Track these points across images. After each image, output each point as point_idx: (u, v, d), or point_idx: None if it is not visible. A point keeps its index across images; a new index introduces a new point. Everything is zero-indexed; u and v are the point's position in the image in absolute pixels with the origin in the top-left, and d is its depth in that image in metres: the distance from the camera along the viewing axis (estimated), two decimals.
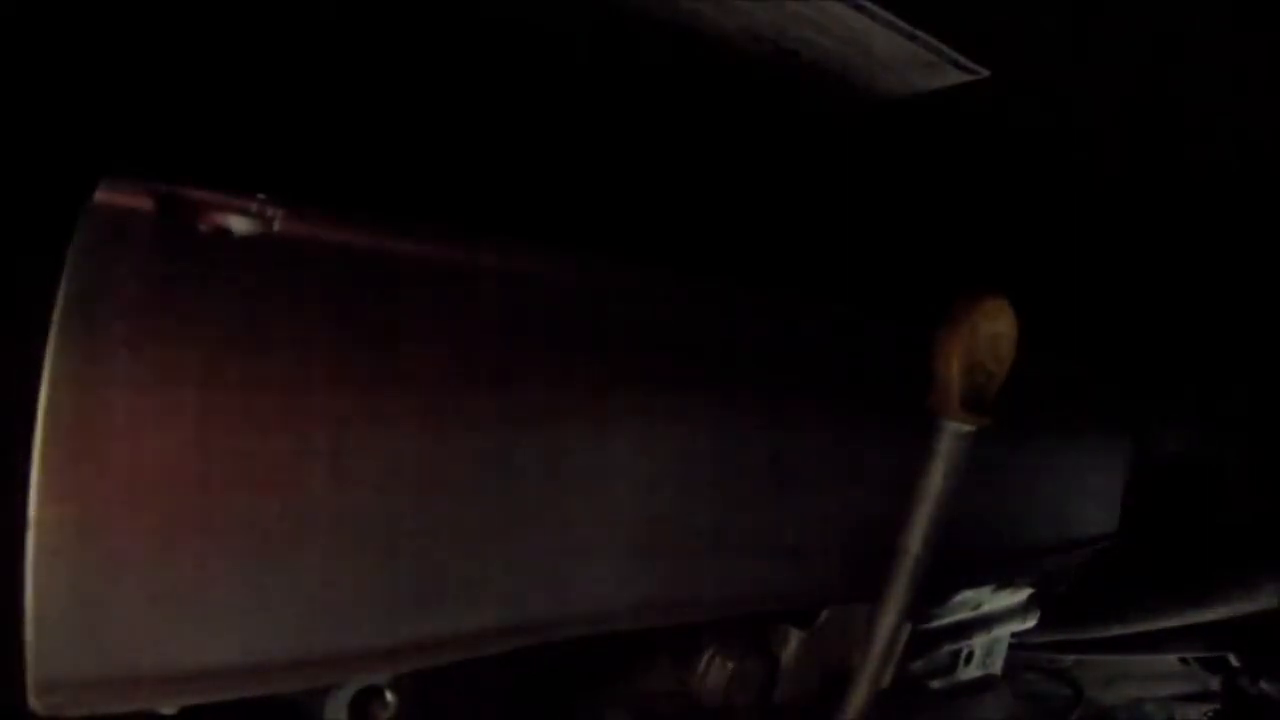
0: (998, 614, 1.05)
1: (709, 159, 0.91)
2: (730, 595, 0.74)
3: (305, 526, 0.53)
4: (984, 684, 1.08)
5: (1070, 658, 1.52)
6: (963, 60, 0.68)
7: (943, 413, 0.71)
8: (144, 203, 0.49)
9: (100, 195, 0.48)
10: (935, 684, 1.03)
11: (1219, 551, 1.32)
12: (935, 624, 0.97)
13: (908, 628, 0.79)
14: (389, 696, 0.64)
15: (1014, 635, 1.10)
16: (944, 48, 0.67)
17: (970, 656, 1.05)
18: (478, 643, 0.61)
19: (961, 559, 0.88)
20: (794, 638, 0.80)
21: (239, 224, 0.52)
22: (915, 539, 0.73)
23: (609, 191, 0.89)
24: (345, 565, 0.54)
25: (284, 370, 0.52)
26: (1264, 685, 1.48)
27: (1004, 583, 1.01)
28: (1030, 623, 1.10)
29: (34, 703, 0.47)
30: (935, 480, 0.72)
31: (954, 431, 0.71)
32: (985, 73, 0.70)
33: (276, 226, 0.53)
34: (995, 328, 0.69)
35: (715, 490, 0.70)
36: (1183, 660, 1.64)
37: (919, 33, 0.65)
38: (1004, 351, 0.70)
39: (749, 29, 0.67)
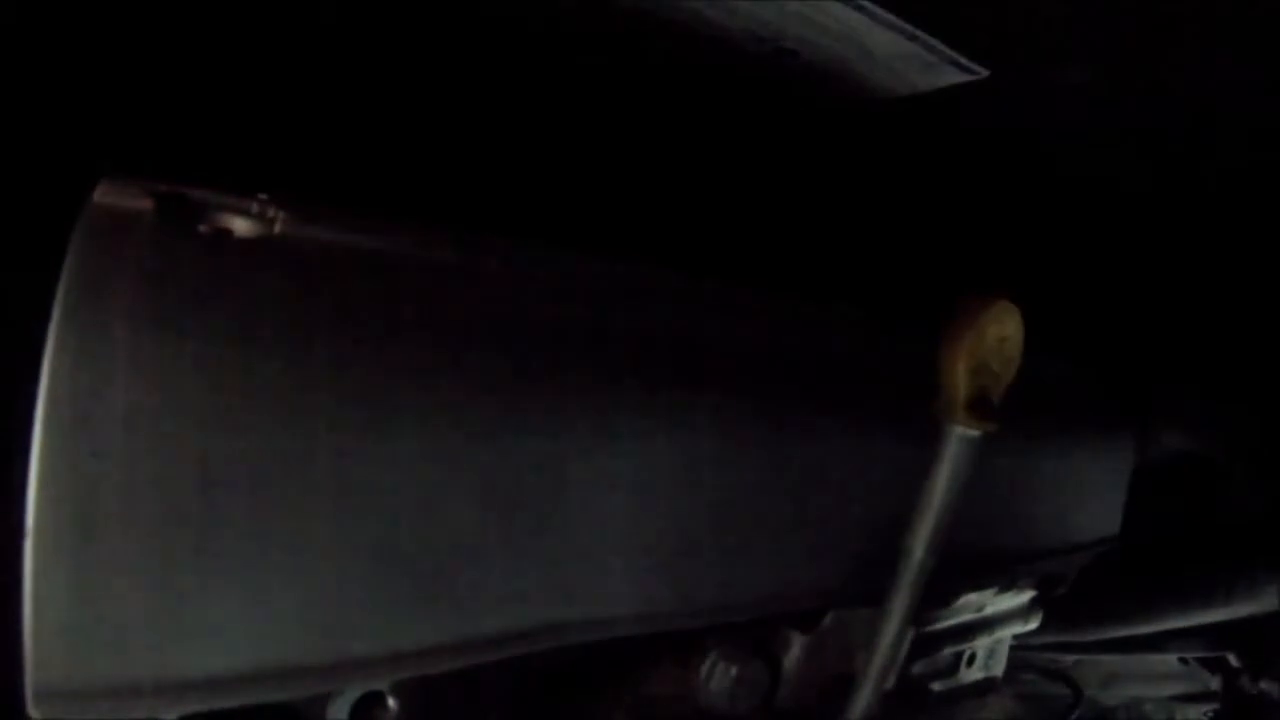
0: (1000, 616, 1.05)
1: (709, 159, 0.91)
2: (733, 599, 0.73)
3: (306, 530, 0.52)
4: (985, 686, 1.08)
5: (1070, 658, 1.52)
6: (963, 60, 0.68)
7: (948, 417, 0.70)
8: (144, 203, 0.49)
9: (100, 195, 0.48)
10: (937, 686, 1.03)
11: (1219, 552, 1.32)
12: (938, 627, 0.96)
13: (911, 631, 0.78)
14: (390, 701, 0.64)
15: (1015, 637, 1.10)
16: (944, 48, 0.67)
17: (972, 659, 1.05)
18: (479, 648, 0.61)
19: (965, 562, 0.88)
20: (797, 642, 0.80)
21: (239, 224, 0.51)
22: (920, 543, 0.72)
23: (609, 192, 0.89)
24: (346, 570, 0.54)
25: (284, 372, 0.51)
26: (1264, 685, 1.48)
27: (1007, 585, 1.01)
28: (1032, 624, 1.09)
29: (33, 710, 0.46)
30: (940, 485, 0.71)
31: (959, 436, 0.70)
32: (985, 73, 0.70)
33: (276, 226, 0.52)
34: (1002, 331, 0.68)
35: (718, 494, 0.70)
36: (1183, 660, 1.64)
37: (919, 33, 0.65)
38: (1011, 355, 0.69)
39: (749, 29, 0.67)
